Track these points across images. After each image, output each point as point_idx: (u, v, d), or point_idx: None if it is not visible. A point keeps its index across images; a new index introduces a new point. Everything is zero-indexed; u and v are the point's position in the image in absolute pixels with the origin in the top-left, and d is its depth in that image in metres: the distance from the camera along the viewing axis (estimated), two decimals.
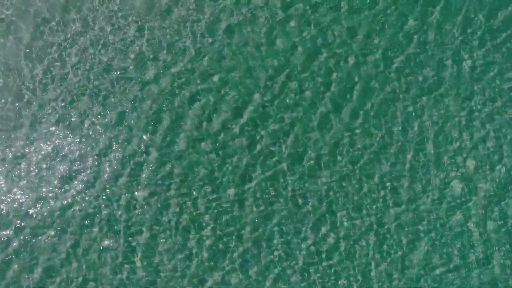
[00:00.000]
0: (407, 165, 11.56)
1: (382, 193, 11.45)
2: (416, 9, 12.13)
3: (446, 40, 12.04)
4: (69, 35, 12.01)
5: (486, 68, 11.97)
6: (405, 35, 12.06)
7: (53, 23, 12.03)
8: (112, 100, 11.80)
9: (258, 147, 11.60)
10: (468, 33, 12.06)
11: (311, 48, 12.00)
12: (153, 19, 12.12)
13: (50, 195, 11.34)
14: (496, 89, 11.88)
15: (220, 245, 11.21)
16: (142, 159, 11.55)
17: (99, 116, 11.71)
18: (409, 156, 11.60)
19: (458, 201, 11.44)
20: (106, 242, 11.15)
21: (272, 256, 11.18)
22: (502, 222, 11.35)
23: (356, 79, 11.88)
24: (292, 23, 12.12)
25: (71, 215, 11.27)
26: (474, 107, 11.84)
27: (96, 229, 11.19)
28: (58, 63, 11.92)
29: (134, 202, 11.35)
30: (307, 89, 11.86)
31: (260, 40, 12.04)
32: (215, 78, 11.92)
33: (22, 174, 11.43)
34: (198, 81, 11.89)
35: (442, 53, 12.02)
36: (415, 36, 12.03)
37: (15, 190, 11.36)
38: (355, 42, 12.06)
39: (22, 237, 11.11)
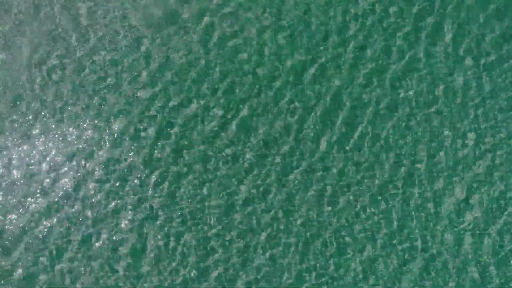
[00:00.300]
0: (401, 183, 11.40)
1: (375, 211, 11.25)
2: (408, 26, 12.21)
3: (440, 57, 12.07)
4: (68, 46, 12.20)
5: (480, 85, 11.94)
6: (398, 51, 12.10)
7: (55, 34, 12.26)
8: (102, 108, 11.80)
9: (246, 159, 11.52)
10: (461, 50, 12.11)
11: (302, 60, 12.06)
12: (147, 31, 12.29)
13: (33, 201, 11.26)
14: (491, 107, 11.80)
15: (207, 258, 11.00)
16: (130, 167, 11.48)
17: (89, 124, 11.71)
18: (403, 174, 11.46)
19: (454, 222, 11.22)
20: (90, 251, 10.99)
21: (260, 272, 10.94)
22: (499, 243, 11.11)
23: (348, 95, 11.85)
24: (284, 36, 12.19)
25: (55, 221, 11.15)
26: (468, 126, 11.73)
27: (79, 237, 11.06)
28: (55, 72, 12.04)
29: (121, 209, 11.25)
30: (298, 102, 11.83)
31: (251, 51, 12.13)
32: (205, 87, 11.94)
33: (7, 178, 11.40)
34: (187, 91, 11.90)
35: (436, 70, 12.02)
36: (408, 53, 12.09)
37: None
38: (347, 56, 12.08)
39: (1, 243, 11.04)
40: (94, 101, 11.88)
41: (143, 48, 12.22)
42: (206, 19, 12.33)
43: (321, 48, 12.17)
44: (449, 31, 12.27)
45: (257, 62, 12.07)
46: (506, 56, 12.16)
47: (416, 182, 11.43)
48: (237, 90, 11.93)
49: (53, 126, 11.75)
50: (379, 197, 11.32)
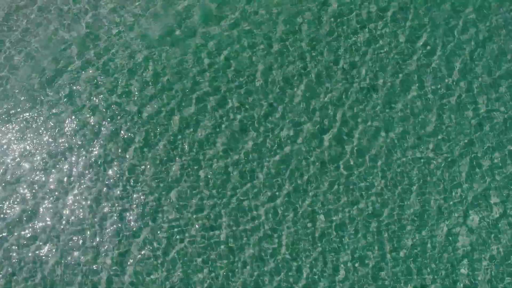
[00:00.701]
0: (409, 212, 11.18)
1: (366, 232, 11.00)
2: (417, 52, 12.27)
3: (448, 86, 12.03)
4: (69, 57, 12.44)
5: (488, 116, 11.85)
6: (405, 79, 12.08)
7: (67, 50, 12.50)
8: (104, 122, 11.84)
9: (234, 175, 11.41)
10: (468, 80, 12.08)
11: (308, 85, 12.07)
12: (149, 49, 12.48)
13: (36, 211, 11.21)
14: (498, 137, 11.66)
15: (193, 275, 10.80)
16: (117, 177, 11.44)
17: (92, 139, 11.74)
18: (395, 196, 11.25)
19: (461, 250, 10.93)
20: (71, 265, 10.85)
21: None
22: (495, 268, 10.79)
23: (356, 122, 11.78)
24: (289, 58, 12.29)
25: (55, 233, 11.08)
26: (463, 149, 11.58)
27: (75, 248, 11.00)
28: (53, 80, 12.23)
29: (107, 219, 11.18)
30: (304, 124, 11.80)
31: (243, 66, 12.21)
32: (208, 105, 11.99)
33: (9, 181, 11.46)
34: (192, 109, 11.95)
35: (443, 99, 11.95)
36: (416, 78, 12.08)
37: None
38: (355, 82, 12.07)
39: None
40: (86, 108, 11.98)
41: (138, 59, 12.39)
42: (200, 31, 12.54)
43: (313, 64, 12.22)
44: (441, 54, 12.25)
45: (248, 77, 12.13)
46: (500, 78, 12.12)
47: (409, 203, 11.20)
48: (228, 104, 11.96)
49: (40, 130, 11.82)
50: (371, 219, 11.10)
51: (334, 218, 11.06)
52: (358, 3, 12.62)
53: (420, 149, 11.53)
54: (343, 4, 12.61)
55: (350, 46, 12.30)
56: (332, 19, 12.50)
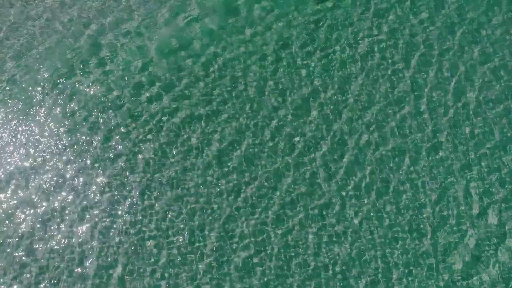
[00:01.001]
0: (406, 228, 10.98)
1: (377, 258, 10.72)
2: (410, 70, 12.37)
3: (445, 102, 12.04)
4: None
5: (486, 132, 11.82)
6: (401, 95, 12.11)
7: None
8: (99, 128, 11.84)
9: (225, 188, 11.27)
10: (466, 98, 12.09)
11: (306, 95, 12.11)
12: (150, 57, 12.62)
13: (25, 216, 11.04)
14: (496, 153, 11.58)
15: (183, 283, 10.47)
16: (107, 186, 11.30)
17: (88, 145, 11.69)
18: (407, 219, 11.05)
19: (460, 271, 10.62)
20: (78, 270, 10.60)
21: None
22: None
23: (355, 132, 11.73)
24: (284, 72, 12.37)
25: (47, 238, 10.86)
26: (475, 174, 11.45)
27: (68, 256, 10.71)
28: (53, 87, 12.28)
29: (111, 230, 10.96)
30: (285, 126, 11.77)
31: (251, 80, 12.28)
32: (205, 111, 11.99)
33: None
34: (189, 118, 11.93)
35: (439, 116, 11.94)
36: (410, 96, 12.09)
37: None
38: (355, 95, 12.10)
39: None
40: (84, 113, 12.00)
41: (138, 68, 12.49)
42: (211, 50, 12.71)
43: (310, 77, 12.28)
44: (452, 78, 12.31)
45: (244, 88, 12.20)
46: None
47: (406, 218, 11.00)
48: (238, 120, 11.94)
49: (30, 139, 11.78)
50: (382, 245, 10.84)
51: (323, 234, 10.86)
52: (355, 16, 12.86)
53: (416, 168, 11.45)
54: (338, 17, 12.86)
55: (346, 59, 12.45)
56: (328, 32, 12.69)
